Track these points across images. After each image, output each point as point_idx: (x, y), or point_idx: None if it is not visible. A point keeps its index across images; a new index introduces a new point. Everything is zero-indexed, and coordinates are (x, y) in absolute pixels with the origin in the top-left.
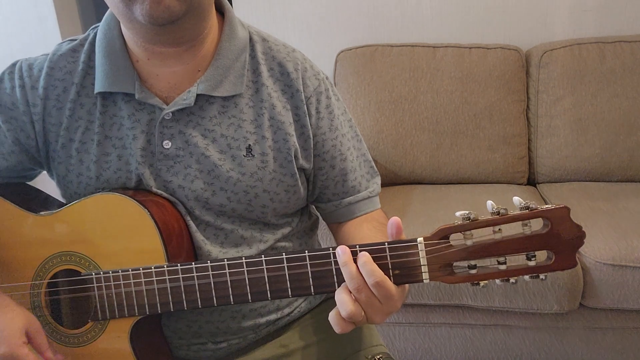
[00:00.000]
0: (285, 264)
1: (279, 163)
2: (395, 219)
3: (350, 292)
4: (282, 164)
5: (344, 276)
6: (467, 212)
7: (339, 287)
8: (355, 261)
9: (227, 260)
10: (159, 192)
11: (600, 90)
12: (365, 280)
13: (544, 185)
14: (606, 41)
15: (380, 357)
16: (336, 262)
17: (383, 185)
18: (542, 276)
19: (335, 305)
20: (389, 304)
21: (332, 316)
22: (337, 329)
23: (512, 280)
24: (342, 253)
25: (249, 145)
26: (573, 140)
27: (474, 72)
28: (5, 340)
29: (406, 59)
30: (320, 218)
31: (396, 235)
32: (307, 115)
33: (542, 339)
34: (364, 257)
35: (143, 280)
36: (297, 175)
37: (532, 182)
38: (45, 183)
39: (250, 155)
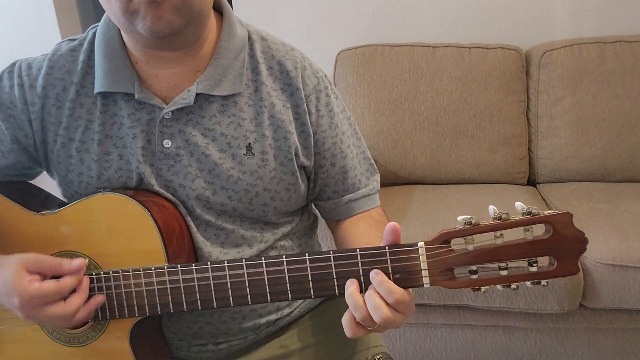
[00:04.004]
0: (285, 267)
1: (279, 161)
2: (392, 225)
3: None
4: (282, 162)
5: (368, 307)
6: (468, 216)
7: (338, 290)
8: (360, 287)
9: (227, 262)
10: (161, 191)
11: (600, 90)
12: (384, 300)
13: (544, 186)
14: (606, 41)
15: (380, 358)
16: (336, 265)
17: (383, 185)
18: (543, 282)
19: (335, 305)
20: (408, 311)
21: (345, 319)
22: (349, 333)
23: (513, 286)
24: (351, 284)
25: (249, 143)
26: (573, 141)
27: (474, 72)
28: (13, 290)
29: (406, 59)
30: (320, 218)
31: (392, 242)
32: (307, 113)
33: (542, 340)
34: (379, 275)
35: (143, 280)
36: (298, 173)
37: (532, 182)
38: (46, 182)
39: (251, 153)
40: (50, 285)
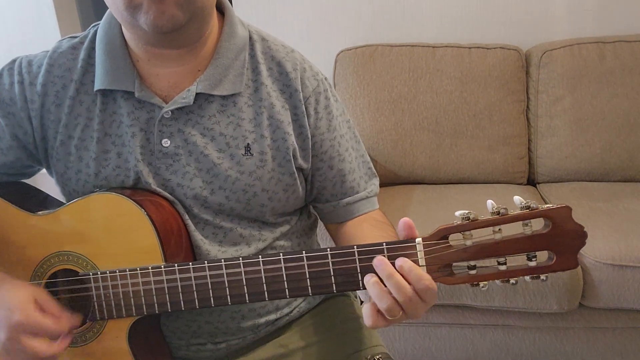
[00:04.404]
0: (282, 264)
1: (277, 162)
2: (406, 220)
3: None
4: (280, 163)
5: (391, 288)
6: (466, 211)
7: (336, 287)
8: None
9: (224, 261)
10: (158, 190)
11: (600, 90)
12: (414, 287)
13: (543, 185)
14: (606, 41)
15: (380, 358)
16: (333, 263)
17: (382, 185)
18: (542, 277)
19: (335, 305)
20: (432, 300)
21: (366, 309)
22: (369, 322)
23: (512, 281)
24: (383, 265)
25: (248, 144)
26: (573, 140)
27: (474, 72)
28: (18, 308)
29: (406, 59)
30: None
31: (409, 236)
32: (306, 116)
33: (542, 339)
34: (408, 262)
35: (140, 280)
36: (296, 175)
37: (532, 182)
38: (43, 182)
39: (249, 154)
40: (50, 321)
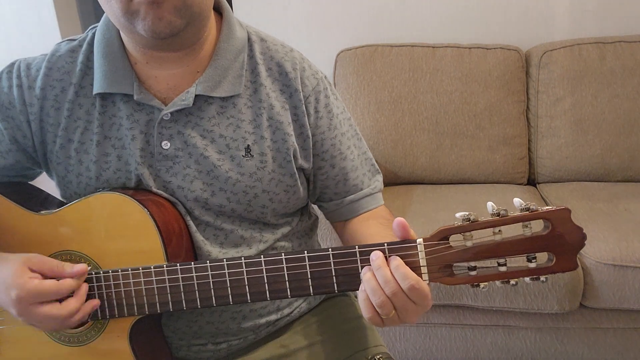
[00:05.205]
0: (284, 265)
1: (278, 163)
2: (399, 220)
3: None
4: (281, 164)
5: (379, 280)
6: (467, 213)
7: (338, 287)
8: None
9: (226, 261)
10: (159, 192)
11: (600, 90)
12: (399, 284)
13: (544, 186)
14: (606, 41)
15: (381, 358)
16: (335, 263)
17: (383, 185)
18: (542, 278)
19: (335, 305)
20: (424, 304)
21: (362, 302)
22: (365, 314)
23: (512, 282)
24: (376, 257)
25: (248, 145)
26: (573, 141)
27: (474, 72)
28: (14, 284)
29: (406, 59)
30: (322, 218)
31: (404, 236)
32: (306, 115)
33: (542, 339)
34: (396, 260)
35: (142, 279)
36: (297, 175)
37: (532, 182)
38: (45, 182)
39: (249, 155)
40: (49, 284)
